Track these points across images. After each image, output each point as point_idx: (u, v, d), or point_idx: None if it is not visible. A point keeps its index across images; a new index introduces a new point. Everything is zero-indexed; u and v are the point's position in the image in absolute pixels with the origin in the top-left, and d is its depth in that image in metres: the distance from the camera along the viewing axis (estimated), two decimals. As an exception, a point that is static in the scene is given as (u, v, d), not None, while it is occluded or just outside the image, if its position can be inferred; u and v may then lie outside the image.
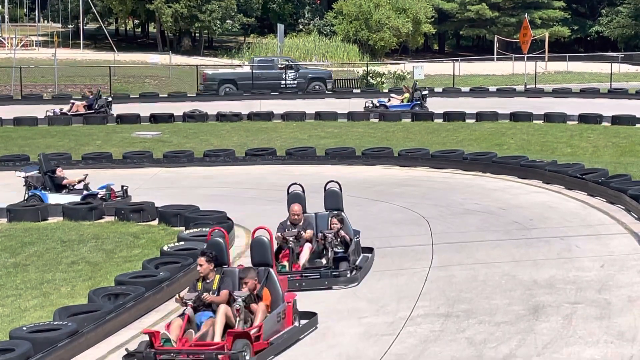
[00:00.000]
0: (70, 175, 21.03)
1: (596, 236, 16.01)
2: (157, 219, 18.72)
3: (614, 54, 61.60)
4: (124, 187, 20.40)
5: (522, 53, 49.75)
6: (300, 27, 72.48)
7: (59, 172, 20.80)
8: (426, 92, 37.14)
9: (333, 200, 14.55)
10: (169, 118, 34.76)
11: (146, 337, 10.09)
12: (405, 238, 16.38)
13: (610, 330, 10.93)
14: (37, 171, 20.64)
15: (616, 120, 32.56)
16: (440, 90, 43.68)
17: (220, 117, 35.08)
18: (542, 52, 61.17)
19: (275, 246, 12.68)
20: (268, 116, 35.29)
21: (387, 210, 18.80)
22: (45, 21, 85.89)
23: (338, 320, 11.82)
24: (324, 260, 13.64)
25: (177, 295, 10.85)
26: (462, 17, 73.25)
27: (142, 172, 24.55)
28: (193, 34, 72.39)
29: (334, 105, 37.98)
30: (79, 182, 20.56)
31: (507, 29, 71.35)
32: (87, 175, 20.91)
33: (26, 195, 20.45)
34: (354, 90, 44.41)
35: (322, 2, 75.82)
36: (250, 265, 11.38)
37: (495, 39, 67.41)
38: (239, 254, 15.71)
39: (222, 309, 10.18)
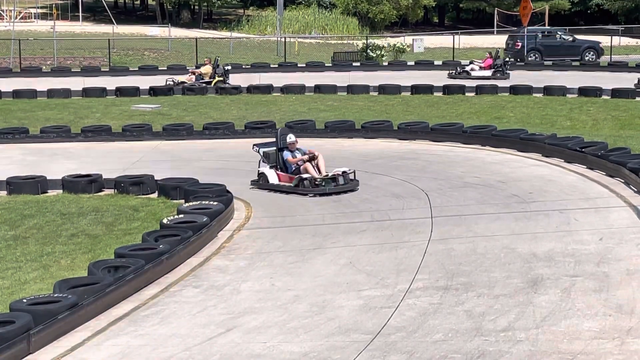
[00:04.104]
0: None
1: (595, 209, 16.03)
2: (156, 192, 18.74)
3: (614, 27, 61.33)
4: None
5: (522, 26, 49.60)
6: (300, -1, 72.29)
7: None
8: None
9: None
10: (168, 91, 34.69)
11: None
12: (404, 211, 16.41)
13: (608, 303, 10.96)
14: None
15: (616, 93, 32.50)
16: (440, 63, 43.58)
17: (220, 90, 35.02)
18: (542, 25, 60.98)
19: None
20: (267, 89, 35.22)
21: (386, 184, 18.80)
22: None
23: (337, 293, 11.85)
24: None
25: None
26: (462, -10, 73.08)
27: (141, 145, 24.54)
28: (192, 7, 72.20)
29: (334, 78, 37.91)
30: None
31: (507, 2, 71.12)
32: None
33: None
34: (354, 64, 44.30)
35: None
36: None
37: (495, 11, 67.22)
38: (239, 227, 15.76)
39: None
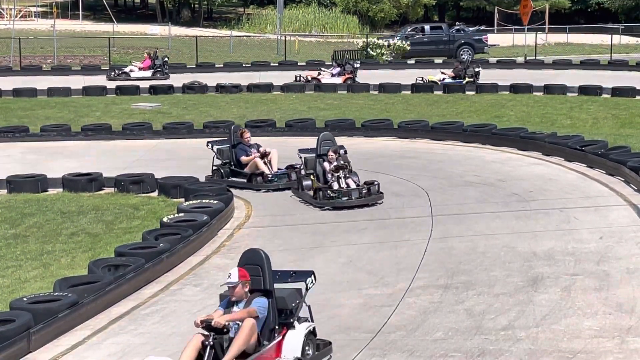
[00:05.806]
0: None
1: (595, 208, 16.03)
2: (156, 191, 18.73)
3: (615, 26, 61.23)
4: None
5: (522, 24, 49.60)
6: (300, -2, 72.22)
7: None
8: None
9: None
10: (169, 89, 34.68)
11: None
12: (404, 210, 16.41)
13: (608, 302, 10.97)
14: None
15: (616, 92, 32.48)
16: (440, 61, 43.55)
17: (220, 88, 35.00)
18: (542, 24, 60.93)
19: None
20: (267, 88, 35.19)
21: (386, 182, 18.75)
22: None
23: (338, 292, 11.85)
24: None
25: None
26: (463, -12, 73.04)
27: (141, 144, 24.53)
28: (192, 5, 72.17)
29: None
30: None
31: (507, 0, 71.08)
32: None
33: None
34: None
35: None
36: None
37: (496, 10, 67.15)
38: (239, 226, 15.76)
39: None
